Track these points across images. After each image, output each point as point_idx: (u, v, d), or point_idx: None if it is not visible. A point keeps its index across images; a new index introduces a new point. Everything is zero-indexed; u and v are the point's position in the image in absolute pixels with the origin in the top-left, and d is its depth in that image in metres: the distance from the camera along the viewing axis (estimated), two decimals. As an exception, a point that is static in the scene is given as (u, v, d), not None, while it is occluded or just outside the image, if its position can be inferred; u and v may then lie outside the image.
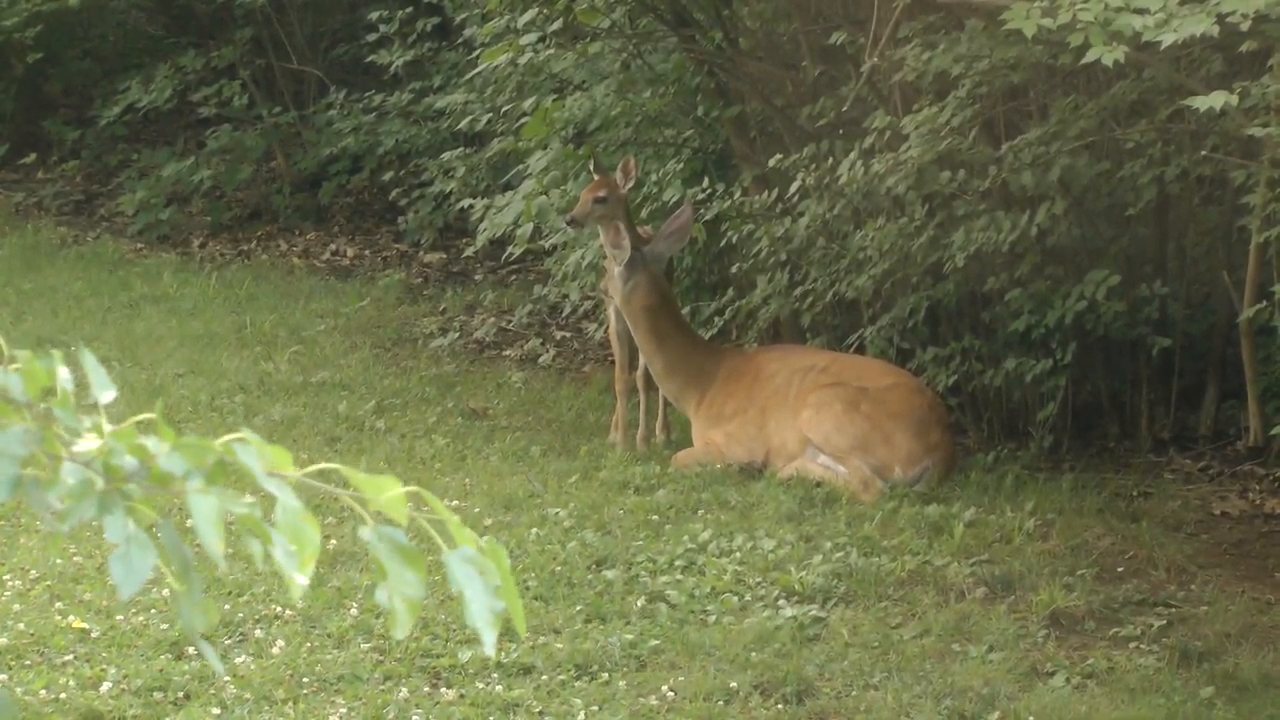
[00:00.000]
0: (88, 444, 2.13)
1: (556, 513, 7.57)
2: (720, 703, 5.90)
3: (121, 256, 13.17)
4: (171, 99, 14.05)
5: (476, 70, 10.61)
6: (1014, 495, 7.87)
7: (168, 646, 6.14)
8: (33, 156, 14.97)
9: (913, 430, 8.12)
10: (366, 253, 13.50)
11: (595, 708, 5.84)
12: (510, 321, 11.54)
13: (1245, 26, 6.07)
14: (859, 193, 8.47)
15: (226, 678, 5.85)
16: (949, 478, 8.09)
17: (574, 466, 8.32)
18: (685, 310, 9.52)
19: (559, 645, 6.22)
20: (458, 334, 11.29)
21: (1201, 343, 8.90)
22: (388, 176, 13.30)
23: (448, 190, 12.12)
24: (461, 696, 5.88)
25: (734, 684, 5.99)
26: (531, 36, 9.76)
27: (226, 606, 6.45)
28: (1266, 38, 6.71)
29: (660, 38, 10.04)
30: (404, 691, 5.91)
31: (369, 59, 13.43)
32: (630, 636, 6.30)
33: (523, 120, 10.41)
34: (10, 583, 6.77)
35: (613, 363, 9.42)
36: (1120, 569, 7.20)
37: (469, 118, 11.36)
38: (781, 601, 6.71)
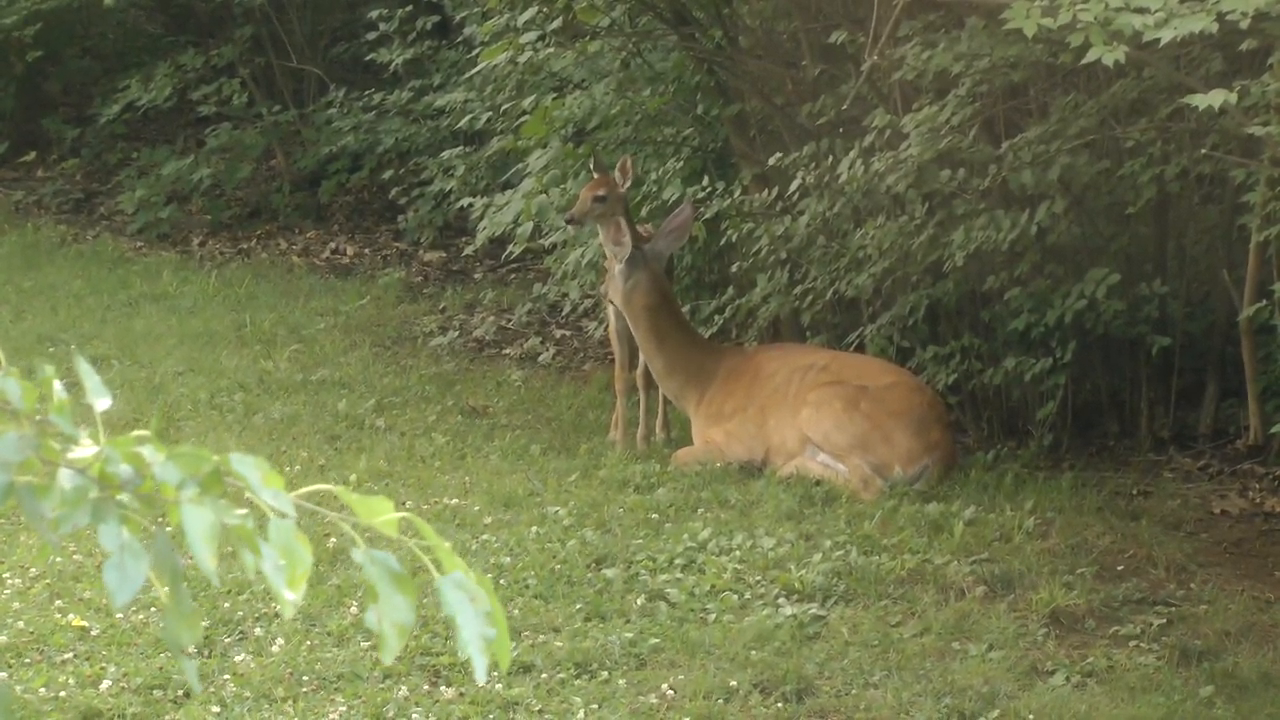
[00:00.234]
0: (84, 451, 2.12)
1: (556, 511, 7.56)
2: (720, 701, 5.90)
3: (121, 255, 13.17)
4: (171, 97, 14.04)
5: (476, 69, 10.59)
6: (1014, 494, 7.87)
7: (167, 645, 6.12)
8: (32, 155, 14.97)
9: (912, 429, 8.11)
10: (366, 251, 13.49)
11: (595, 706, 5.84)
12: (510, 320, 11.54)
13: (1245, 25, 6.06)
14: (859, 191, 8.46)
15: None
16: (949, 476, 8.08)
17: (574, 465, 8.31)
18: (685, 309, 9.51)
19: (559, 643, 6.22)
20: (457, 332, 11.28)
21: (1201, 341, 8.90)
22: (387, 175, 13.29)
23: (447, 189, 12.11)
24: (461, 695, 5.88)
25: (734, 682, 5.99)
26: (531, 35, 9.75)
27: (226, 605, 6.45)
28: (1266, 36, 6.71)
29: (660, 36, 10.03)
30: (404, 690, 5.90)
31: (369, 57, 13.41)
32: (630, 635, 6.30)
33: (522, 119, 10.39)
34: (10, 581, 6.77)
35: (612, 361, 9.41)
36: (1120, 567, 7.20)
37: (469, 116, 11.34)
38: (781, 600, 6.70)
